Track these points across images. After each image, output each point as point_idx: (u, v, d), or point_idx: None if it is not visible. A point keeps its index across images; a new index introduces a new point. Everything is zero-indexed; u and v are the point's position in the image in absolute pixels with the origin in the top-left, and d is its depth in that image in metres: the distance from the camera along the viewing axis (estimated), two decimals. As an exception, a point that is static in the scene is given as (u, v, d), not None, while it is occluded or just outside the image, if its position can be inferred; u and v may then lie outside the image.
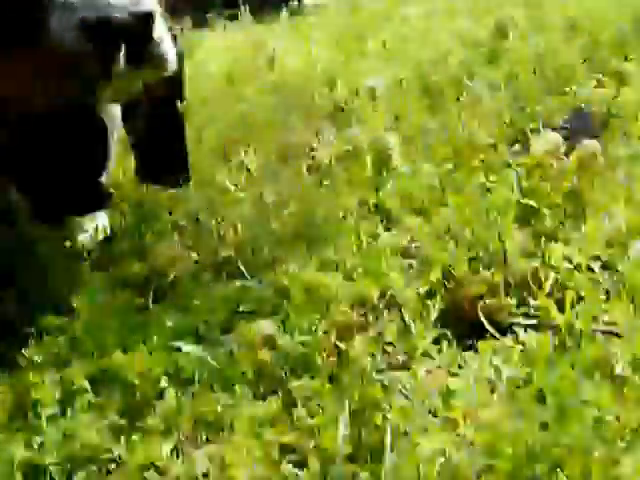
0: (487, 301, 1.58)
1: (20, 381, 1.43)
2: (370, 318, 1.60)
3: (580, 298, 1.54)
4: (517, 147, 2.25)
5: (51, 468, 1.27)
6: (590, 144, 1.98)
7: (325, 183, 2.08)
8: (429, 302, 1.60)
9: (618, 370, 1.30)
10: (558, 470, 1.07)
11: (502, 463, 1.10)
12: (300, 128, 2.44)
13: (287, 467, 1.22)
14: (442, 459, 1.14)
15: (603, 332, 1.45)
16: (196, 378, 1.44)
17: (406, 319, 1.56)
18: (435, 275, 1.68)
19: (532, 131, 2.26)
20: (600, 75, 2.78)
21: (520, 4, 4.34)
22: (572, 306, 1.50)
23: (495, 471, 1.10)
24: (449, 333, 1.52)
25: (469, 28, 3.85)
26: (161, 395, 1.40)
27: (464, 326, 1.55)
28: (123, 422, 1.36)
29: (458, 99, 2.70)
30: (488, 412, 1.23)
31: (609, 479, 1.05)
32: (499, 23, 3.59)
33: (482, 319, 1.54)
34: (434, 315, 1.57)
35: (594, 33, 3.33)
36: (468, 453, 1.14)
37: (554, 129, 2.22)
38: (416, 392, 1.33)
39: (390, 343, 1.51)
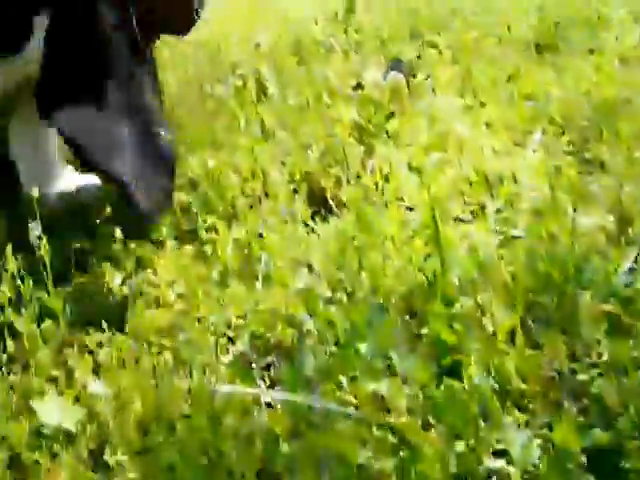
0: (334, 190, 1.83)
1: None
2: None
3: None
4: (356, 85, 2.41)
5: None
6: (396, 76, 2.18)
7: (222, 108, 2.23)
8: (296, 194, 1.80)
9: (412, 228, 1.54)
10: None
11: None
12: (205, 71, 2.58)
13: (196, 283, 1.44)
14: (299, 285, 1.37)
15: (406, 207, 1.68)
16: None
17: (280, 204, 1.77)
18: (299, 173, 1.87)
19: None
20: (419, 40, 2.98)
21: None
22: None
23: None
24: (309, 211, 1.73)
25: (329, 4, 3.95)
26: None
27: (319, 206, 1.77)
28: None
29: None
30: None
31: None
32: (349, 1, 3.72)
33: (330, 202, 1.78)
34: (299, 200, 1.77)
35: (418, 13, 3.51)
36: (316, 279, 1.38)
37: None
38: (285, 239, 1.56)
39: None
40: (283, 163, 1.92)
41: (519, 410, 0.95)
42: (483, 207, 1.56)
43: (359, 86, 2.28)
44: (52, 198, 1.79)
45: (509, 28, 3.01)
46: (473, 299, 1.17)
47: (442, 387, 0.98)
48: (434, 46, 2.83)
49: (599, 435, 0.86)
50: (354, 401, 0.99)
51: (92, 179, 1.82)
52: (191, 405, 1.03)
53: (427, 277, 1.25)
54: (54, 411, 0.97)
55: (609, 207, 1.42)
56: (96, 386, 1.04)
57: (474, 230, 1.46)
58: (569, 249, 1.23)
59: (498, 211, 1.52)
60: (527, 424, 0.92)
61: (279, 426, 0.96)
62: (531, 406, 0.95)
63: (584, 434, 0.86)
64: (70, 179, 1.85)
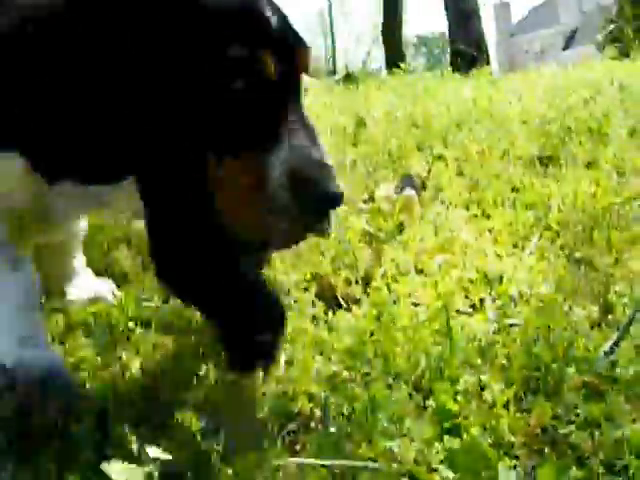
0: (343, 289, 2.14)
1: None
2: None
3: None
4: (367, 198, 2.79)
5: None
6: (409, 193, 2.54)
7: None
8: (307, 292, 2.10)
9: (421, 317, 1.84)
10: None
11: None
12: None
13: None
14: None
15: (414, 304, 1.98)
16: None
17: (292, 299, 2.06)
18: (310, 273, 2.19)
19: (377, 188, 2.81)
20: (427, 155, 3.38)
21: (376, 104, 4.97)
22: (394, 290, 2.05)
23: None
24: (321, 306, 2.01)
25: (339, 119, 4.39)
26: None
27: (329, 302, 2.05)
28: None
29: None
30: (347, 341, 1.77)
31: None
32: (359, 116, 4.16)
33: (340, 299, 2.09)
34: (310, 297, 2.07)
35: (427, 128, 3.94)
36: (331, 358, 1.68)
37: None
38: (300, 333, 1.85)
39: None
40: (295, 267, 2.22)
41: (509, 457, 1.23)
42: (482, 301, 1.88)
43: (371, 199, 2.63)
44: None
45: (513, 143, 3.41)
46: (476, 377, 1.47)
47: (444, 443, 1.27)
48: (441, 158, 3.22)
49: (574, 472, 1.14)
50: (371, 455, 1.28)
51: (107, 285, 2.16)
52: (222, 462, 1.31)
53: (434, 360, 1.55)
54: (123, 472, 1.23)
55: (592, 298, 1.74)
56: (153, 451, 1.31)
57: (474, 321, 1.76)
58: (558, 335, 1.54)
59: (498, 306, 1.83)
60: (515, 467, 1.20)
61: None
62: (519, 453, 1.24)
63: (562, 471, 1.14)
64: (87, 283, 2.17)
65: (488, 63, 11.16)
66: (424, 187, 2.83)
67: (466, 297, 1.93)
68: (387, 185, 2.78)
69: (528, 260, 2.07)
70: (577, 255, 2.04)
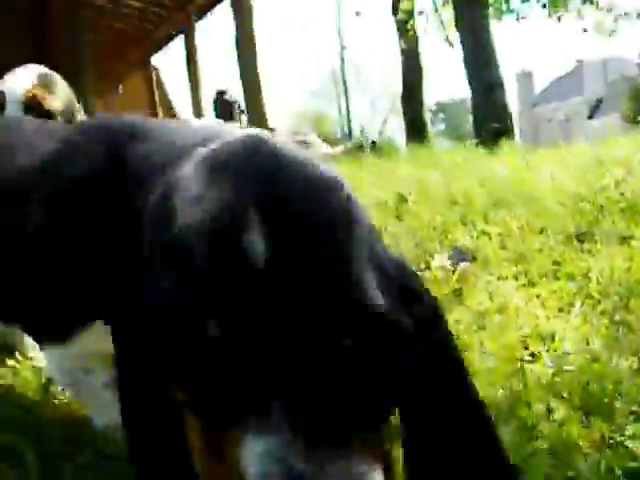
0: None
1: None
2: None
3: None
4: (424, 267, 3.38)
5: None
6: (467, 265, 3.15)
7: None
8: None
9: (489, 364, 2.42)
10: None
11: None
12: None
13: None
14: None
15: (482, 352, 2.56)
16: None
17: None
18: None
19: (431, 258, 3.42)
20: (471, 228, 3.99)
21: (406, 177, 5.58)
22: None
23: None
24: None
25: (378, 195, 4.99)
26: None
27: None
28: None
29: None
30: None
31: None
32: (400, 193, 4.76)
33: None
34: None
35: (468, 205, 4.56)
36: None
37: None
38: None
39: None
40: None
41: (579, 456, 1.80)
42: (540, 353, 2.45)
43: (427, 268, 3.23)
44: None
45: (550, 220, 4.02)
46: (544, 405, 2.04)
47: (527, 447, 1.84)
48: (485, 233, 3.83)
49: (629, 463, 1.72)
50: None
51: None
52: None
53: (509, 393, 2.12)
54: None
55: (632, 354, 2.32)
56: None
57: (535, 366, 2.34)
58: (608, 376, 2.12)
59: (553, 357, 2.41)
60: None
61: None
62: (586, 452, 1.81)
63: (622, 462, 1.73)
64: None
65: (513, 137, 11.69)
66: (474, 259, 3.43)
67: (525, 349, 2.50)
68: (441, 256, 3.39)
69: (574, 322, 2.65)
70: (617, 318, 2.62)
